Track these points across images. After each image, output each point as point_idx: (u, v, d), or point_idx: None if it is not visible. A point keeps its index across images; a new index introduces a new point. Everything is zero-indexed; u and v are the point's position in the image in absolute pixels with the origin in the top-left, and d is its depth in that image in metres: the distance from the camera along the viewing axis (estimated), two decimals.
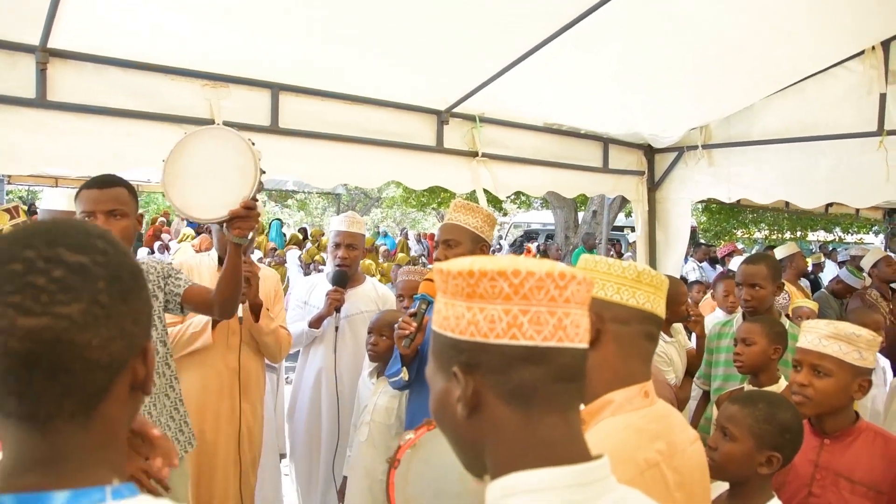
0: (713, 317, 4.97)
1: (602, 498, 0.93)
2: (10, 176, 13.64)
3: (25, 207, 13.27)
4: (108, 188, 2.50)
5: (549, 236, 19.75)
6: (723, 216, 19.99)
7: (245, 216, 2.45)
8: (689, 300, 6.14)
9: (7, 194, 11.44)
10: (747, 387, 3.08)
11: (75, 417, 0.84)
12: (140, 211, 2.74)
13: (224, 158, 2.49)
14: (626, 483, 1.21)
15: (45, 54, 2.94)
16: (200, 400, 3.27)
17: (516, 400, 0.94)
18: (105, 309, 0.83)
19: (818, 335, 2.37)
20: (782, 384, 3.00)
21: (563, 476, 0.92)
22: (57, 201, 3.52)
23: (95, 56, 3.11)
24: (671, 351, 3.90)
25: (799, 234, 22.25)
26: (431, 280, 2.81)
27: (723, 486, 2.15)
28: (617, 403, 1.45)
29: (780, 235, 21.73)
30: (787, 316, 3.73)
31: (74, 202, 2.55)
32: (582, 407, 1.47)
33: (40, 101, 2.97)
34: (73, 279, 0.81)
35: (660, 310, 1.55)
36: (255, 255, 12.96)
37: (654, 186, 5.63)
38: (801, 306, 5.10)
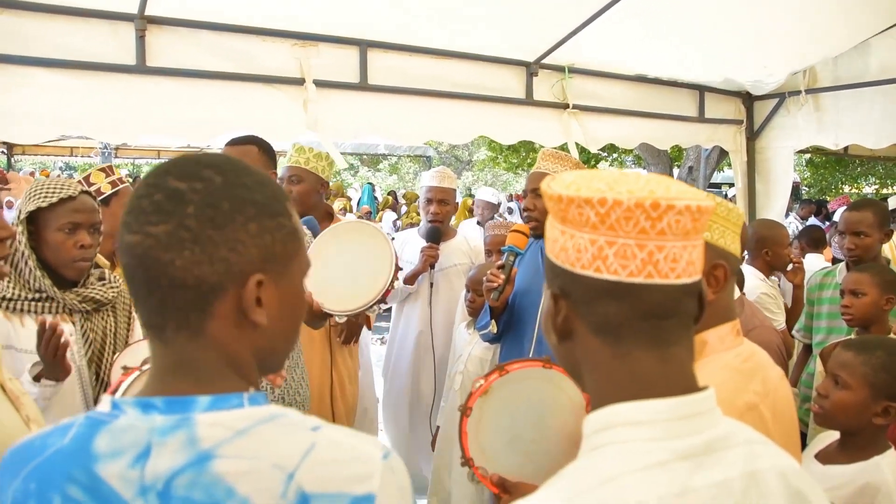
0: (812, 265, 4.76)
1: (705, 432, 0.89)
2: (116, 149, 14.29)
3: (129, 175, 13.89)
4: (237, 145, 2.72)
5: None
6: (828, 170, 18.92)
7: None
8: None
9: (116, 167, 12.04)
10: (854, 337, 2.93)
11: (180, 331, 0.91)
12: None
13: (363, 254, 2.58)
14: None
15: (143, 21, 3.04)
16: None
17: (603, 332, 0.91)
18: (191, 232, 0.88)
19: None
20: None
21: (662, 408, 0.88)
22: None
23: (189, 21, 3.19)
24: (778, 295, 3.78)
25: None
26: (518, 231, 2.78)
27: (832, 435, 2.06)
28: (710, 344, 1.41)
29: (892, 189, 20.48)
30: None
31: None
32: None
33: (140, 67, 3.09)
34: (167, 203, 0.88)
35: (737, 248, 1.50)
36: (388, 215, 13.30)
37: (753, 136, 5.37)
38: None
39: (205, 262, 0.89)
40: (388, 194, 18.89)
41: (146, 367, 1.94)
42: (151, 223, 0.88)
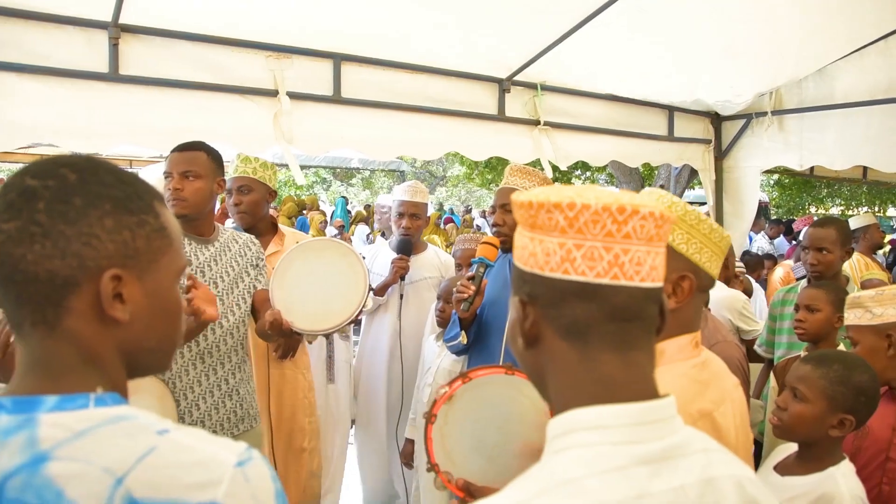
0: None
1: (665, 438, 0.91)
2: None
3: None
4: (186, 151, 2.70)
5: None
6: (795, 190, 19.27)
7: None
8: (759, 275, 6.06)
9: None
10: (803, 353, 3.00)
11: (37, 326, 0.92)
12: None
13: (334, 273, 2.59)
14: None
15: (116, 30, 3.03)
16: None
17: (572, 335, 0.93)
18: (41, 227, 0.89)
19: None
20: None
21: (623, 413, 0.90)
22: (149, 179, 3.65)
23: (164, 30, 3.19)
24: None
25: (878, 209, 21.34)
26: (488, 244, 2.82)
27: (790, 448, 2.11)
28: (668, 353, 1.44)
29: (857, 211, 20.89)
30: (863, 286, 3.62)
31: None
32: None
33: (113, 76, 3.08)
34: (18, 200, 0.90)
35: (715, 267, 1.53)
36: (330, 232, 13.16)
37: (721, 155, 5.48)
38: (871, 278, 4.92)
39: (56, 256, 0.90)
40: (364, 208, 18.87)
41: None
42: (3, 220, 0.89)
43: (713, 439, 1.30)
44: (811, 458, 1.98)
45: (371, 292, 2.59)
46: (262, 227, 3.51)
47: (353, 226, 14.90)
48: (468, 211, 21.92)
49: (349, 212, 17.92)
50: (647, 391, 0.94)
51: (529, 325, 0.96)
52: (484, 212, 22.12)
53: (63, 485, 0.83)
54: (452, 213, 22.58)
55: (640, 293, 0.92)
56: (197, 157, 2.69)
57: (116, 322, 0.94)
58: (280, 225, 3.66)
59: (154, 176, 3.62)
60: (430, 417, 1.65)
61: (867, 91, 4.51)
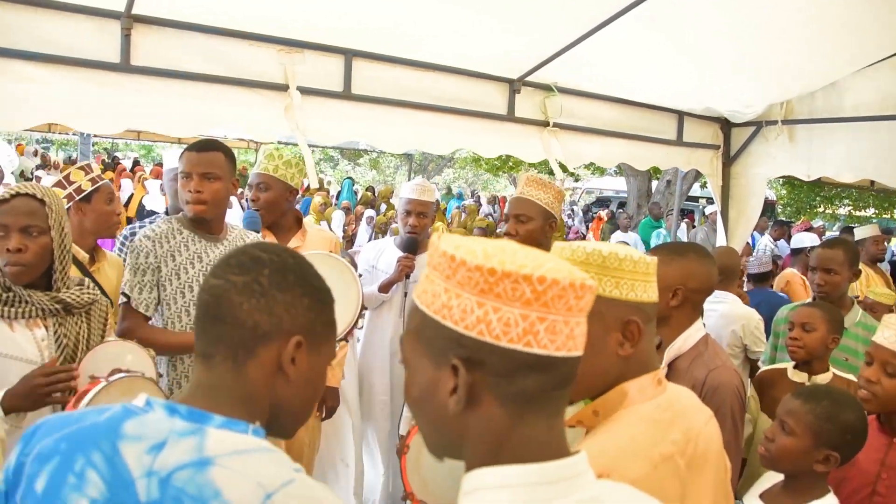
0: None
1: (570, 496, 0.92)
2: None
3: (101, 164, 13.72)
4: (205, 152, 2.68)
5: (622, 204, 19.46)
6: (804, 191, 19.25)
7: None
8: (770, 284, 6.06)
9: (93, 145, 11.94)
10: (790, 368, 3.01)
11: (226, 362, 1.13)
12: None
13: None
14: (639, 478, 1.21)
15: (129, 20, 3.04)
16: None
17: (512, 402, 0.93)
18: (261, 287, 1.13)
19: (895, 332, 2.27)
20: (829, 375, 2.91)
21: (528, 473, 0.91)
22: (172, 159, 3.71)
23: (176, 21, 3.20)
24: None
25: (885, 211, 21.27)
26: None
27: (777, 476, 2.13)
28: (630, 396, 1.41)
29: (864, 212, 20.83)
30: (860, 303, 3.62)
31: (178, 161, 2.74)
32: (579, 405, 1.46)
33: (124, 66, 3.09)
34: (249, 263, 1.15)
35: (652, 293, 1.47)
36: (337, 215, 13.13)
37: (729, 161, 5.46)
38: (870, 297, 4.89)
39: (264, 312, 1.12)
40: (367, 190, 18.88)
41: (113, 378, 1.97)
42: (234, 273, 1.13)
43: (669, 484, 1.32)
44: (796, 489, 2.01)
45: (364, 310, 2.61)
46: (283, 222, 3.52)
47: (358, 207, 14.89)
48: (477, 198, 21.87)
49: (356, 192, 17.95)
50: (560, 451, 0.95)
51: (467, 391, 0.93)
52: (494, 197, 22.13)
53: (222, 486, 1.00)
54: (460, 196, 22.55)
55: (577, 362, 0.95)
56: (216, 159, 2.67)
57: (285, 378, 1.15)
58: (305, 221, 3.68)
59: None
60: (402, 448, 1.66)
61: (877, 106, 4.50)
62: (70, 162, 12.48)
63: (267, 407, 1.15)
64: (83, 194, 3.11)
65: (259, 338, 1.12)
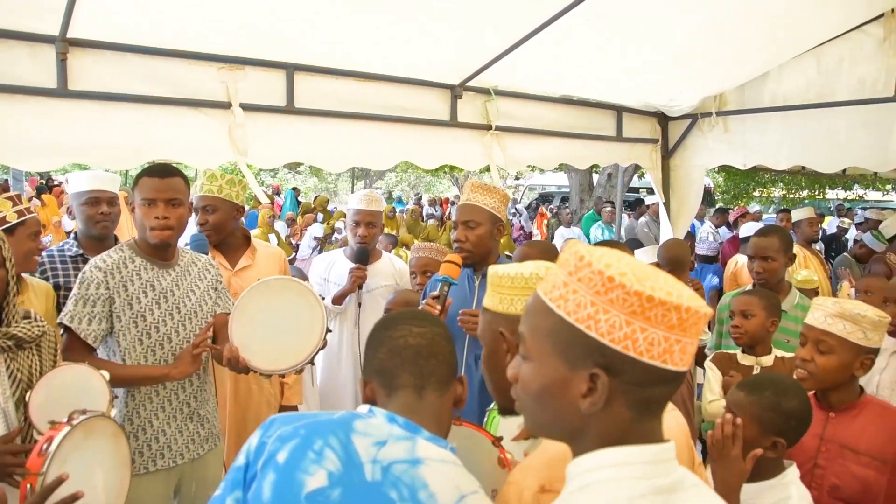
0: None
1: (671, 474, 1.08)
2: None
3: (34, 190, 13.27)
4: (168, 178, 2.64)
5: (564, 199, 19.72)
6: (740, 177, 19.80)
7: None
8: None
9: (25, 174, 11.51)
10: (739, 353, 3.19)
11: (434, 392, 1.47)
12: None
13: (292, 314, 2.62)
14: None
15: (64, 44, 2.98)
16: None
17: (638, 406, 1.06)
18: (446, 337, 1.53)
19: (824, 313, 2.40)
20: (772, 358, 3.11)
21: (646, 453, 1.06)
22: (80, 183, 3.59)
23: (113, 44, 3.14)
24: None
25: (817, 192, 21.99)
26: (451, 262, 2.88)
27: None
28: None
29: (797, 194, 21.51)
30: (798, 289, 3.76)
31: (132, 189, 2.69)
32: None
33: (62, 91, 3.02)
34: (429, 319, 1.56)
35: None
36: (280, 227, 12.93)
37: (668, 154, 5.63)
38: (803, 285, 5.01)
39: (453, 356, 1.52)
40: (313, 199, 18.64)
41: (76, 421, 1.93)
42: (432, 325, 1.53)
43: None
44: (756, 474, 2.08)
45: (328, 332, 2.62)
46: (231, 241, 3.51)
47: (304, 217, 14.70)
48: (418, 200, 21.86)
49: (299, 202, 17.78)
50: (662, 439, 1.11)
51: (604, 397, 1.04)
52: (433, 199, 22.17)
53: (429, 481, 1.32)
54: (401, 200, 22.52)
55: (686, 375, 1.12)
56: (178, 184, 2.65)
57: (459, 404, 1.55)
58: (253, 239, 3.67)
59: (84, 180, 3.52)
60: None
61: (804, 95, 4.69)
62: (1, 189, 12.01)
63: (448, 430, 1.51)
64: (6, 226, 2.95)
65: (451, 376, 1.50)
